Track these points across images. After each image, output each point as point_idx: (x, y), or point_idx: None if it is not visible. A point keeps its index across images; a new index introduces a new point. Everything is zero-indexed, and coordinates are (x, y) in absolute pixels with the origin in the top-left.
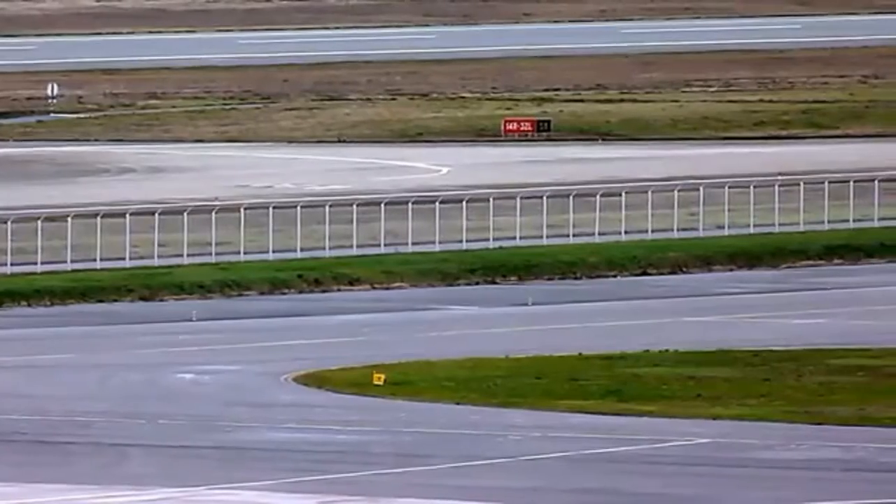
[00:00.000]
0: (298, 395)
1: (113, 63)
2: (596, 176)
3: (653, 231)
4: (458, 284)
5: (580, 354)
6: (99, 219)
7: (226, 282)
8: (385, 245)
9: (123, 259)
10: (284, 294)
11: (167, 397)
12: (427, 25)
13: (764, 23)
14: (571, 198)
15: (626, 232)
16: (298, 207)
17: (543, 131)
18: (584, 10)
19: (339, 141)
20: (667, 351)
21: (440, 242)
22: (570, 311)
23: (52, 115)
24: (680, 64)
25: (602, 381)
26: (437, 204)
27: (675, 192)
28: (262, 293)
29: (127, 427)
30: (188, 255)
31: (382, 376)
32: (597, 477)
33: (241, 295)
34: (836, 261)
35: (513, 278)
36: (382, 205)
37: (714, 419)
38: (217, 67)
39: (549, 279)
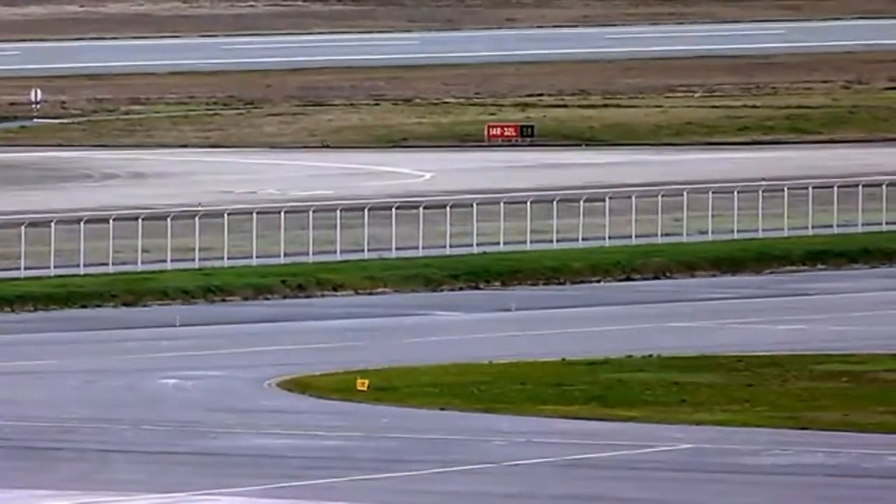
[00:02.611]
0: (282, 400)
1: (96, 68)
2: (579, 181)
3: (636, 236)
4: (442, 290)
5: (564, 360)
6: (82, 224)
7: (209, 287)
8: (369, 251)
9: (107, 264)
10: (268, 299)
11: (150, 403)
12: (411, 31)
13: (747, 28)
14: (555, 203)
15: (609, 237)
16: (282, 213)
17: (527, 136)
18: (567, 16)
19: (323, 146)
20: (650, 356)
21: (424, 248)
22: (554, 317)
23: (35, 120)
24: (663, 69)
25: (586, 387)
26: (420, 209)
27: (659, 197)
28: (245, 298)
29: (110, 433)
30: (172, 261)
31: (366, 382)
32: (581, 482)
33: (224, 300)
34: (819, 266)
35: (496, 284)
36: (366, 210)
37: (698, 424)
38: (200, 73)
39: (532, 284)
